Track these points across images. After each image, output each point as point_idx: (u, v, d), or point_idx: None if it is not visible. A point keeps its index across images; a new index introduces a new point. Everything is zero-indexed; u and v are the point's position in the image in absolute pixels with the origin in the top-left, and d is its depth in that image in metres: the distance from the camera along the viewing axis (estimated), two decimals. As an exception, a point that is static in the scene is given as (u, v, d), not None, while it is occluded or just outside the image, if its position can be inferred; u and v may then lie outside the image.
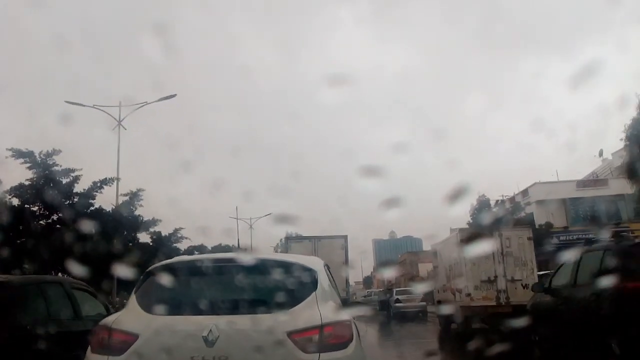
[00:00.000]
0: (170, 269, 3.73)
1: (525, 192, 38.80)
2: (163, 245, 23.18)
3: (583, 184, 36.67)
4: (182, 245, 25.08)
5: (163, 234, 24.43)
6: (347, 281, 19.91)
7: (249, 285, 3.61)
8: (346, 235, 20.51)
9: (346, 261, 18.92)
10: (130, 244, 19.34)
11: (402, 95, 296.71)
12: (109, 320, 3.55)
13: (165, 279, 3.58)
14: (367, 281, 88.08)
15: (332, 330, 3.36)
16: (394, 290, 27.06)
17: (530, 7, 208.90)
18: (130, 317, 3.50)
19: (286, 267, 3.74)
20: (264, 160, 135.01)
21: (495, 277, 12.80)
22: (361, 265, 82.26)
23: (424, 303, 25.06)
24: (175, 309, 3.45)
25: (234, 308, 3.46)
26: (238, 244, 37.46)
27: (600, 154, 36.05)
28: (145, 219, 21.38)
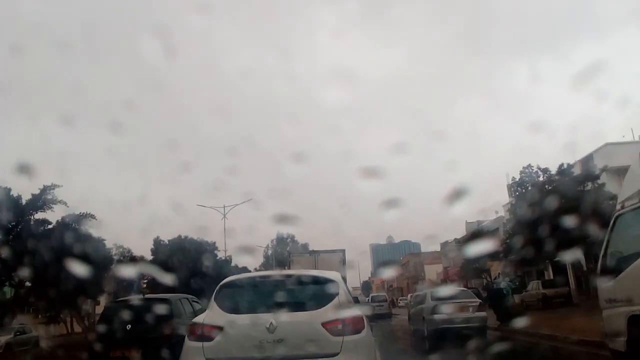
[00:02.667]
0: (238, 282, 5.78)
1: (588, 159, 28.47)
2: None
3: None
4: (55, 215, 14.20)
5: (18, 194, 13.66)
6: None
7: (294, 292, 5.44)
8: (344, 249, 22.38)
9: (344, 273, 19.19)
10: None
11: (397, 98, 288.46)
12: (200, 318, 5.34)
13: (236, 289, 5.65)
14: (366, 286, 79.04)
15: (351, 321, 4.99)
16: (428, 293, 15.84)
17: (525, 8, 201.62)
18: (214, 315, 5.22)
19: (318, 279, 5.60)
20: (259, 163, 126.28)
21: None
22: (359, 270, 72.63)
23: (483, 314, 14.64)
24: (245, 309, 5.30)
25: (286, 307, 5.06)
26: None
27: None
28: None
